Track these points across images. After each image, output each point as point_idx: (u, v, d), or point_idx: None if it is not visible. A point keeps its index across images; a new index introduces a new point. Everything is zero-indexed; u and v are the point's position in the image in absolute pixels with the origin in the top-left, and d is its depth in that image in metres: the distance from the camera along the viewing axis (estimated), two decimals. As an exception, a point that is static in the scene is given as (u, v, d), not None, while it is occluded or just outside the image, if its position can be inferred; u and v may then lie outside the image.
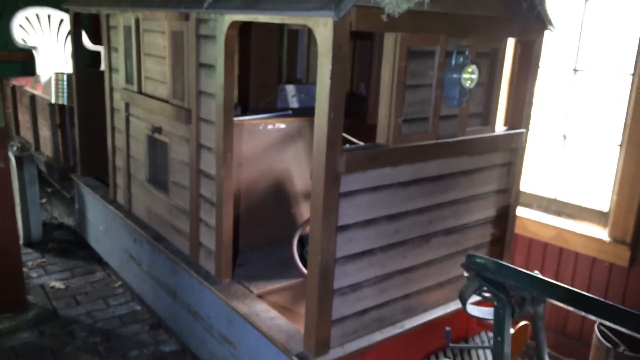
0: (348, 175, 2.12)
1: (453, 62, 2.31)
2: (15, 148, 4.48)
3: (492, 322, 1.99)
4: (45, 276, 4.18)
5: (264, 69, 3.36)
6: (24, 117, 5.42)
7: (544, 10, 2.56)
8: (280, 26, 3.59)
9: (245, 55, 3.31)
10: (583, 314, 1.61)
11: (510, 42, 3.24)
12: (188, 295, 3.02)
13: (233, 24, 2.43)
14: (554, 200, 3.52)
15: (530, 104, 2.80)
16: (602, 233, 3.19)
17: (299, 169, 3.30)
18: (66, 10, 4.50)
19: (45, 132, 4.80)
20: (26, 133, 5.39)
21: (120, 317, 3.67)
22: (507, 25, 2.49)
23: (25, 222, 4.52)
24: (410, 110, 2.29)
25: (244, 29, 3.14)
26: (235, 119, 2.76)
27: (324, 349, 2.22)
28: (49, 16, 5.91)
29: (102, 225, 4.11)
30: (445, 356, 2.64)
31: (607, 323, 1.56)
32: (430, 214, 2.51)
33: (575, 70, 3.40)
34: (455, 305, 2.69)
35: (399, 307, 2.52)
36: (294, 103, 3.57)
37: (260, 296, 2.71)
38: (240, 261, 3.03)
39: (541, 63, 2.77)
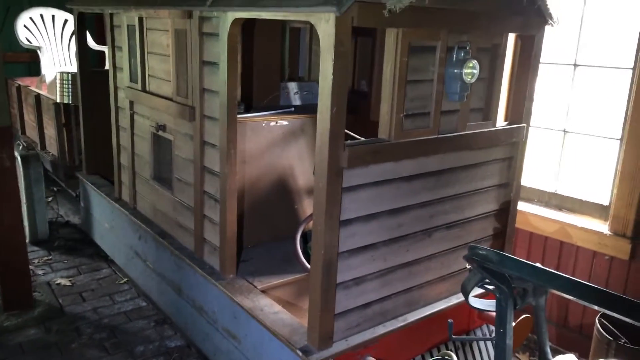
0: (350, 170, 2.14)
1: (454, 57, 2.34)
2: (21, 147, 4.52)
3: (494, 314, 2.01)
4: (52, 273, 4.22)
5: (267, 66, 3.39)
6: (29, 117, 5.47)
7: (544, 5, 2.58)
8: (283, 24, 3.61)
9: (248, 54, 3.33)
10: (585, 303, 1.63)
11: (511, 37, 3.26)
12: (193, 290, 3.05)
13: (236, 22, 2.46)
14: (555, 194, 3.54)
15: (530, 99, 2.82)
16: (602, 227, 3.20)
17: (302, 165, 3.33)
18: (70, 11, 4.54)
19: (50, 131, 4.85)
20: (32, 132, 5.45)
21: (126, 313, 3.71)
22: (508, 20, 2.51)
23: (31, 220, 4.55)
24: (411, 106, 2.32)
25: (247, 27, 3.18)
26: (239, 116, 2.79)
27: (327, 343, 2.25)
28: (53, 16, 5.96)
29: (107, 223, 4.15)
30: (447, 349, 2.67)
31: (609, 313, 1.58)
32: (432, 208, 2.54)
33: (575, 65, 3.42)
34: (457, 298, 2.72)
35: (402, 300, 2.54)
36: (296, 100, 3.59)
37: (264, 291, 2.74)
38: (244, 257, 3.06)
39: (541, 58, 2.79)
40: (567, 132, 3.50)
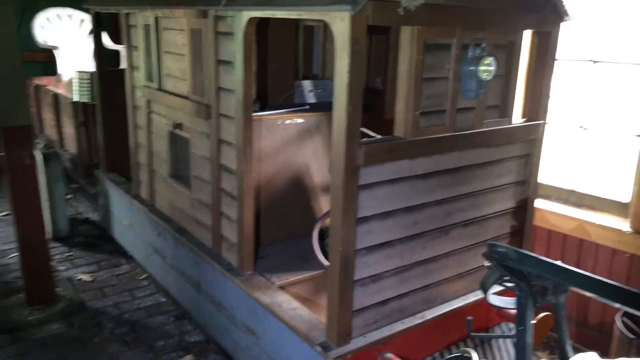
0: (367, 167, 2.15)
1: (470, 54, 2.33)
2: (41, 145, 4.60)
3: (513, 311, 2.01)
4: (73, 269, 4.30)
5: (281, 65, 3.40)
6: (47, 116, 5.57)
7: (560, 1, 2.56)
8: (296, 23, 3.62)
9: (262, 52, 3.35)
10: (607, 301, 1.62)
11: (527, 34, 3.23)
12: (211, 286, 3.09)
13: (251, 21, 2.47)
14: (573, 192, 3.50)
15: (547, 96, 2.79)
16: (622, 224, 3.16)
17: (317, 163, 3.34)
18: (87, 11, 4.60)
19: (69, 130, 4.93)
20: (50, 131, 5.54)
21: (145, 308, 3.77)
22: (523, 17, 2.49)
23: (52, 217, 4.64)
24: (427, 103, 2.32)
25: (261, 26, 3.19)
26: (254, 114, 2.81)
27: (345, 339, 2.27)
28: (69, 16, 6.03)
29: (126, 220, 4.21)
30: (466, 346, 2.67)
31: (631, 311, 1.57)
32: (448, 206, 2.54)
33: (593, 62, 3.38)
34: (475, 296, 2.72)
35: (419, 297, 2.55)
36: (310, 98, 3.61)
37: (281, 287, 2.77)
38: (261, 253, 3.09)
39: (559, 54, 2.76)
40: (585, 128, 3.46)
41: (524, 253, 1.78)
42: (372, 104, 3.56)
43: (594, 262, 3.27)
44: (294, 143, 3.23)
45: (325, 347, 2.25)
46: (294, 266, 2.98)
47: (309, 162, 3.31)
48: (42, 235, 3.68)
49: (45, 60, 6.81)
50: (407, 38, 2.17)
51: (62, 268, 4.31)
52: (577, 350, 1.89)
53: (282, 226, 3.27)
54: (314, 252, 2.92)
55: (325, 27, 3.94)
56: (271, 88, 3.38)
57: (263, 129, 3.08)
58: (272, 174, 3.18)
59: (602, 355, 2.91)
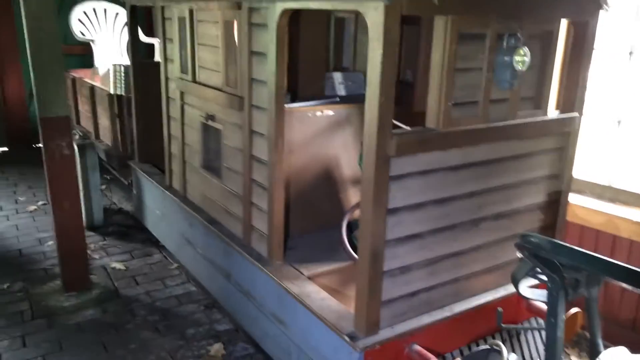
0: (398, 158, 2.15)
1: (505, 44, 2.29)
2: (77, 136, 4.73)
3: (543, 306, 1.98)
4: (107, 258, 4.43)
5: (312, 57, 3.41)
6: (83, 108, 5.71)
7: (600, -10, 2.50)
8: (328, 15, 3.63)
9: (293, 44, 3.37)
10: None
11: (564, 24, 3.16)
12: (241, 276, 3.14)
13: (284, 12, 2.49)
14: (608, 187, 3.42)
15: (584, 88, 2.73)
16: (660, 220, 3.08)
17: (347, 155, 3.35)
18: (122, 4, 4.71)
19: (104, 121, 5.05)
20: (86, 122, 5.69)
21: (177, 297, 3.85)
22: (561, 6, 2.44)
23: (87, 206, 4.77)
24: (460, 94, 2.30)
25: (293, 18, 3.20)
26: (285, 106, 2.83)
27: (374, 329, 2.28)
28: (105, 10, 6.18)
29: (158, 210, 4.30)
30: (494, 339, 2.64)
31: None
32: (479, 199, 2.51)
33: (630, 53, 3.28)
34: (505, 290, 2.69)
35: (448, 290, 2.54)
36: (341, 90, 3.61)
37: (310, 278, 2.78)
38: (290, 245, 3.12)
39: (595, 45, 2.69)
40: (621, 122, 3.37)
41: (557, 243, 1.75)
42: (402, 97, 3.54)
43: (628, 259, 3.20)
44: (324, 135, 3.25)
45: (353, 337, 2.26)
46: (322, 257, 3.00)
47: (338, 154, 3.32)
48: (79, 224, 3.79)
49: (83, 53, 7.00)
50: (440, 28, 2.16)
51: (96, 256, 4.43)
52: (606, 347, 1.86)
53: (312, 218, 3.29)
54: (343, 244, 2.93)
55: (357, 19, 3.93)
56: (302, 80, 3.40)
57: (294, 121, 3.10)
58: (302, 166, 3.21)
59: (633, 352, 2.84)
